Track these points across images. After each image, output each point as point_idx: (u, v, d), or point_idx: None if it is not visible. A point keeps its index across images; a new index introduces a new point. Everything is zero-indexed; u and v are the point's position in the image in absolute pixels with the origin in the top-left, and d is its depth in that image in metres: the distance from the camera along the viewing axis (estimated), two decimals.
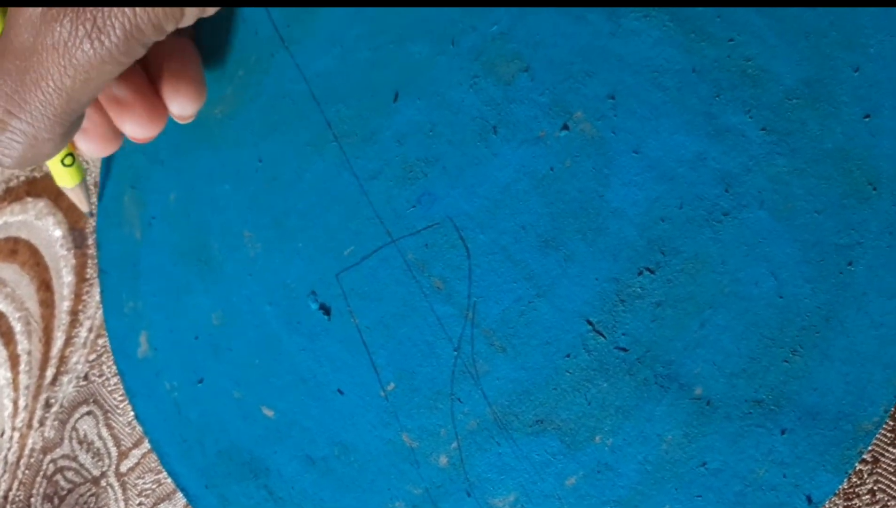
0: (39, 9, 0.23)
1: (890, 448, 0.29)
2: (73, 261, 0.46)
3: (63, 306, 0.46)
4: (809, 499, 0.30)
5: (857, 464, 0.30)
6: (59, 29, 0.23)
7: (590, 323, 0.32)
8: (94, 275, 0.45)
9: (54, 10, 0.23)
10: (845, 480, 0.30)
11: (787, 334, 0.30)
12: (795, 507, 0.30)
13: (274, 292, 0.38)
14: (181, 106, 0.31)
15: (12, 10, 0.24)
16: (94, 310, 0.45)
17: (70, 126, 0.27)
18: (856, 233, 0.30)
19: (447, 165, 0.35)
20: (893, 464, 0.29)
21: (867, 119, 0.30)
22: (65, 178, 0.39)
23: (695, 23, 0.31)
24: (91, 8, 0.23)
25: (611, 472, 0.32)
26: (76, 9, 0.23)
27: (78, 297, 0.45)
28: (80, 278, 0.46)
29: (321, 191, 0.37)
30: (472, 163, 0.34)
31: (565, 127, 0.33)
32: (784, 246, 0.30)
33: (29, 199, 0.47)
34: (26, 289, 0.47)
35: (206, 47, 0.40)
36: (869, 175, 0.30)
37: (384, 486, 0.35)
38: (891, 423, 0.30)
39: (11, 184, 0.48)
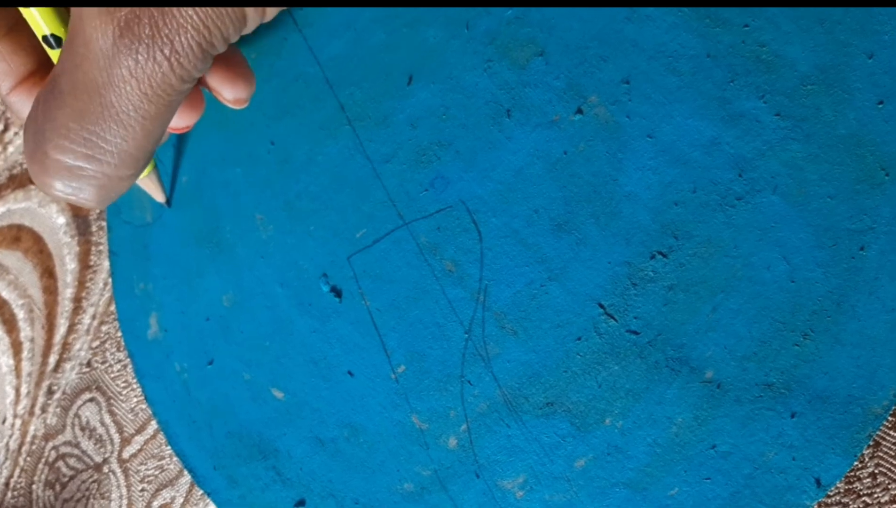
0: (109, 40, 0.21)
1: (891, 432, 0.29)
2: (77, 248, 0.46)
3: (66, 293, 0.46)
4: (818, 482, 0.30)
5: (865, 447, 0.30)
6: (135, 58, 0.22)
7: (601, 307, 0.32)
8: (98, 262, 0.45)
9: (126, 39, 0.21)
10: (855, 462, 0.30)
11: (799, 318, 0.30)
12: (804, 490, 0.30)
13: (285, 275, 0.38)
14: (237, 90, 0.30)
15: (71, 43, 0.22)
16: (97, 297, 0.45)
17: (151, 154, 0.25)
18: (868, 218, 0.30)
19: (460, 149, 0.35)
20: (895, 448, 0.29)
21: (881, 105, 0.30)
22: None
23: (710, 8, 0.31)
24: (165, 30, 0.21)
25: (620, 454, 0.32)
26: (150, 34, 0.21)
27: (81, 284, 0.45)
28: (84, 265, 0.45)
29: (334, 174, 0.37)
30: (485, 147, 0.34)
31: (579, 111, 0.33)
32: (797, 231, 0.30)
33: (32, 186, 0.47)
34: (29, 276, 0.47)
35: None
36: (882, 161, 0.30)
37: (393, 467, 0.35)
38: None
39: (15, 171, 0.48)
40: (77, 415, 0.44)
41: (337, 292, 0.37)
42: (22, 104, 0.29)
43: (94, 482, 0.43)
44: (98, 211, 0.45)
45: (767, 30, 0.31)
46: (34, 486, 0.45)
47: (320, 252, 0.37)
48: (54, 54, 0.27)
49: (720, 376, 0.31)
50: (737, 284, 0.31)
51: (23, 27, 0.28)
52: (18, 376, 0.46)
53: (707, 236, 0.31)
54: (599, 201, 0.32)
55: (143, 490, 0.41)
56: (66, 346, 0.45)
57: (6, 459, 0.46)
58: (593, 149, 0.32)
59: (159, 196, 0.40)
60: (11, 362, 0.46)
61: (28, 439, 0.45)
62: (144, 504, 0.41)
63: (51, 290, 0.46)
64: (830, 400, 0.30)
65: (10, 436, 0.46)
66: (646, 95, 0.32)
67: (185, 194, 0.40)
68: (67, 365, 0.44)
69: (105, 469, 0.43)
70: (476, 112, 0.34)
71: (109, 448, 0.43)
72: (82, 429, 0.44)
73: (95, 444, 0.43)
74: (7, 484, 0.46)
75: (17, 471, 0.46)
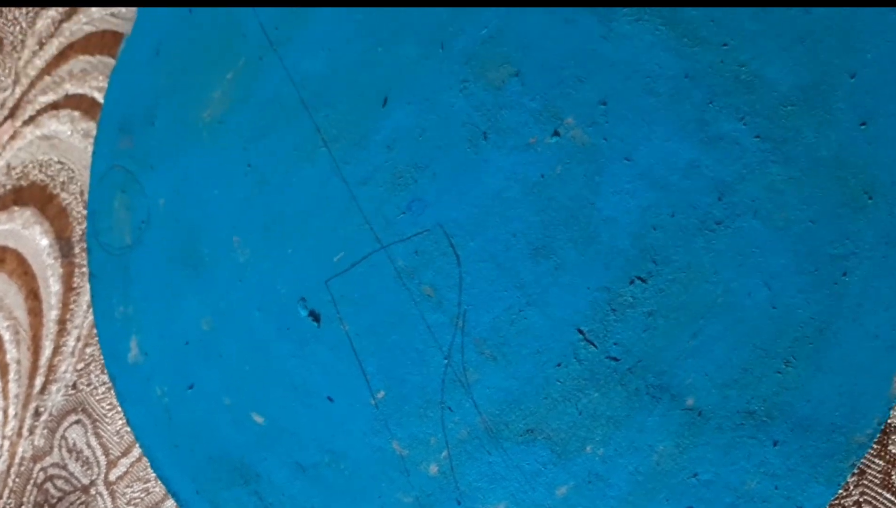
0: None
1: (876, 460, 0.29)
2: (61, 270, 0.46)
3: (51, 314, 0.45)
4: None
5: (849, 477, 0.29)
6: None
7: (581, 332, 0.32)
8: (82, 284, 0.45)
9: None
10: (839, 491, 0.29)
11: (781, 344, 0.29)
12: None
13: (263, 298, 0.37)
14: None
15: None
16: (81, 319, 0.44)
17: None
18: (851, 243, 0.29)
19: (437, 172, 0.34)
20: (879, 476, 0.29)
21: (863, 126, 0.29)
22: None
23: (688, 27, 0.31)
24: None
25: (602, 482, 0.31)
26: None
27: (65, 306, 0.45)
28: (68, 287, 0.45)
29: (310, 196, 0.36)
30: (462, 169, 0.34)
31: (556, 133, 0.32)
32: (778, 256, 0.29)
33: (16, 208, 0.47)
34: (14, 298, 0.47)
35: (193, 49, 0.39)
36: (865, 184, 0.29)
37: (374, 494, 0.35)
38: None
39: None
40: (64, 437, 0.44)
41: (315, 317, 0.36)
42: None
43: (81, 503, 0.43)
44: (80, 232, 0.45)
45: (747, 49, 0.30)
46: (23, 507, 0.45)
47: (298, 276, 0.36)
48: None
49: (701, 403, 0.30)
50: (717, 310, 0.30)
51: None
52: (6, 397, 0.46)
53: (687, 262, 0.30)
54: (577, 226, 0.32)
55: None
56: (51, 368, 0.44)
57: None
58: (570, 172, 0.32)
59: None
60: None
61: (17, 460, 0.45)
62: None
63: (36, 312, 0.46)
64: (813, 428, 0.29)
65: (0, 457, 0.46)
66: (623, 117, 0.31)
67: (163, 217, 0.40)
68: (53, 387, 0.44)
69: (92, 491, 0.43)
70: (452, 134, 0.34)
71: (96, 470, 0.43)
72: (69, 451, 0.44)
73: (82, 466, 0.43)
74: None
75: (7, 492, 0.46)
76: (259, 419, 0.37)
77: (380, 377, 0.35)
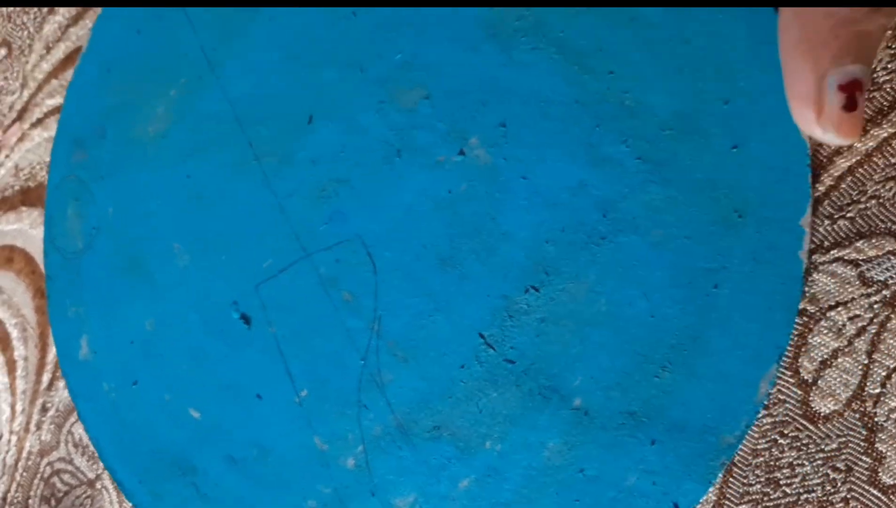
0: None
1: (863, 458, 0.30)
2: None
3: None
4: (676, 506, 0.32)
5: (720, 475, 0.32)
6: None
7: (482, 336, 0.34)
8: None
9: None
10: (710, 489, 0.32)
11: (658, 351, 0.32)
12: None
13: (200, 302, 0.40)
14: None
15: None
16: None
17: None
18: (722, 258, 0.31)
19: (356, 186, 0.37)
20: (867, 473, 0.30)
21: (735, 150, 0.31)
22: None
23: (578, 55, 0.33)
24: None
25: (499, 476, 0.34)
26: None
27: None
28: None
29: (243, 207, 0.39)
30: (378, 184, 0.36)
31: (462, 152, 0.35)
32: (656, 269, 0.32)
33: (23, 208, 0.49)
34: (22, 296, 0.49)
35: (141, 67, 0.42)
36: (735, 204, 0.31)
37: (298, 486, 0.38)
38: (864, 432, 0.30)
39: (6, 193, 0.50)
40: (70, 432, 0.46)
41: (246, 320, 0.39)
42: None
43: (87, 497, 0.46)
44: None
45: (630, 77, 0.32)
46: (30, 501, 0.47)
47: (231, 281, 0.39)
48: None
49: (587, 404, 0.33)
50: (601, 318, 0.33)
51: None
52: (14, 393, 0.49)
53: (574, 273, 0.33)
54: (479, 239, 0.34)
55: (134, 507, 0.43)
56: (58, 365, 0.47)
57: (3, 474, 0.48)
58: (474, 189, 0.34)
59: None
60: (6, 380, 0.49)
61: (24, 455, 0.48)
62: None
63: (43, 310, 0.48)
64: (687, 429, 0.32)
65: (7, 452, 0.49)
66: (520, 139, 0.34)
67: (112, 224, 0.43)
68: (60, 384, 0.47)
69: (98, 486, 0.45)
70: (370, 151, 0.36)
71: (101, 464, 0.45)
72: (75, 446, 0.46)
73: (88, 460, 0.46)
74: (4, 499, 0.48)
75: (14, 486, 0.48)
76: (196, 414, 0.40)
77: (303, 377, 0.38)
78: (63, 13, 0.47)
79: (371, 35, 0.36)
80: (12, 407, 0.48)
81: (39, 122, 0.48)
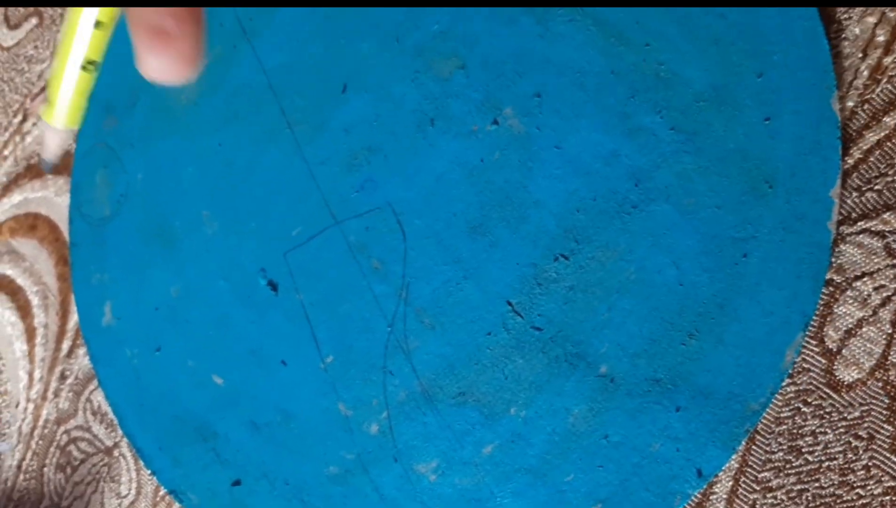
0: None
1: (885, 426, 0.31)
2: None
3: None
4: (700, 472, 0.32)
5: (743, 441, 0.32)
6: None
7: (510, 304, 0.35)
8: None
9: None
10: (733, 456, 0.32)
11: (686, 319, 0.33)
12: (687, 479, 0.32)
13: (228, 269, 0.41)
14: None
15: None
16: None
17: None
18: (751, 227, 0.32)
19: (388, 154, 0.38)
20: (888, 440, 0.30)
21: (767, 122, 0.32)
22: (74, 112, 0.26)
23: (615, 27, 0.34)
24: None
25: (523, 442, 0.35)
26: None
27: None
28: None
29: (274, 175, 0.40)
30: (410, 153, 0.37)
31: (495, 122, 0.36)
32: (686, 238, 0.33)
33: (49, 176, 0.50)
34: (45, 264, 0.49)
35: None
36: (766, 174, 0.32)
37: (320, 451, 0.38)
38: (886, 400, 0.31)
39: (32, 161, 0.51)
40: (89, 400, 0.47)
41: (273, 286, 0.39)
42: None
43: (104, 465, 0.46)
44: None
45: (666, 49, 0.33)
46: (46, 469, 0.48)
47: (260, 248, 0.40)
48: None
49: (613, 371, 0.33)
50: (630, 286, 0.33)
51: None
52: (32, 361, 0.49)
53: (605, 241, 0.34)
54: (510, 207, 0.35)
55: (151, 473, 0.43)
56: (79, 332, 0.47)
57: (19, 442, 0.49)
58: (507, 158, 0.35)
59: (52, 154, 0.28)
60: (25, 347, 0.49)
61: (40, 423, 0.48)
62: (153, 487, 0.44)
63: (65, 277, 0.48)
64: (712, 396, 0.32)
65: (24, 420, 0.49)
66: (555, 109, 0.35)
67: (140, 191, 0.43)
68: (80, 351, 0.47)
69: (115, 453, 0.46)
70: (403, 120, 0.37)
71: (120, 432, 0.45)
72: (94, 413, 0.46)
73: (106, 428, 0.46)
74: (20, 467, 0.49)
75: (30, 454, 0.48)
76: (219, 380, 0.41)
77: (329, 343, 0.38)
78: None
79: (409, 8, 0.37)
80: (30, 375, 0.48)
81: None
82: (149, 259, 0.43)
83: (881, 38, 0.31)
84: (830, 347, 0.32)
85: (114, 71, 0.44)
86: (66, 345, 0.47)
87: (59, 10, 0.49)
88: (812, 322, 0.32)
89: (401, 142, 0.37)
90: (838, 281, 0.32)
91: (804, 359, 0.32)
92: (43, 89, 0.50)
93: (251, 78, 0.41)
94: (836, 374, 0.31)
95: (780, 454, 0.32)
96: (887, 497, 0.30)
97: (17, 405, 0.49)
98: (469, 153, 0.36)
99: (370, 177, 0.38)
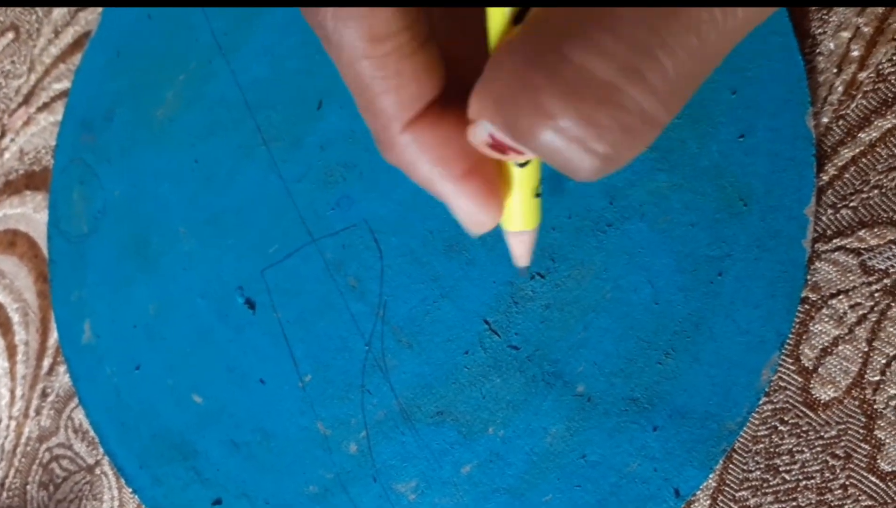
0: None
1: (862, 445, 0.31)
2: None
3: None
4: (677, 492, 0.33)
5: (721, 461, 0.33)
6: None
7: (486, 323, 0.36)
8: None
9: None
10: (711, 475, 0.33)
11: (661, 338, 0.33)
12: (664, 500, 0.33)
13: (205, 286, 0.41)
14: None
15: None
16: None
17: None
18: (726, 245, 0.33)
19: (364, 171, 0.38)
20: (865, 459, 0.31)
21: (741, 139, 0.33)
22: (527, 213, 0.24)
23: None
24: None
25: (501, 461, 0.35)
26: None
27: None
28: None
29: (251, 192, 0.40)
30: (386, 169, 0.38)
31: None
32: (661, 256, 0.33)
33: (27, 192, 0.50)
34: (24, 280, 0.50)
35: (151, 52, 0.43)
36: (741, 192, 0.33)
37: (300, 470, 0.39)
38: (863, 419, 0.31)
39: (10, 177, 0.51)
40: (70, 417, 0.47)
41: (251, 304, 0.40)
42: (420, 143, 0.20)
43: (86, 483, 0.46)
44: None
45: None
46: (29, 486, 0.48)
47: (237, 265, 0.40)
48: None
49: (590, 390, 0.34)
50: (606, 304, 0.34)
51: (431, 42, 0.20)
52: (13, 378, 0.50)
53: (580, 259, 0.34)
54: None
55: (133, 491, 0.44)
56: (59, 349, 0.48)
57: (1, 460, 0.49)
58: None
59: (524, 260, 0.27)
60: (6, 364, 0.50)
61: (23, 440, 0.49)
62: (135, 505, 0.45)
63: (45, 294, 0.49)
64: (689, 415, 0.33)
65: (6, 437, 0.50)
66: None
67: (118, 208, 0.44)
68: (61, 368, 0.48)
69: (97, 471, 0.46)
70: None
71: (101, 450, 0.46)
72: (75, 431, 0.47)
73: (88, 446, 0.47)
74: (2, 485, 0.49)
75: (13, 472, 0.49)
76: (198, 399, 0.41)
77: (307, 362, 0.39)
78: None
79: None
80: (12, 392, 0.49)
81: (46, 106, 0.49)
82: (127, 276, 0.43)
83: (855, 53, 0.32)
84: (806, 365, 0.32)
85: (90, 87, 0.44)
86: (46, 363, 0.48)
87: (35, 25, 0.50)
88: (788, 341, 0.32)
89: (376, 158, 0.38)
90: (814, 299, 0.32)
91: (780, 378, 0.32)
92: (20, 105, 0.50)
93: (227, 94, 0.41)
94: (813, 392, 0.32)
95: (758, 472, 0.33)
96: None
97: None
98: None
99: (346, 194, 0.38)
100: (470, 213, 0.21)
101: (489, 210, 0.21)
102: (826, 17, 0.32)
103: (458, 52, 0.20)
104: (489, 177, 0.20)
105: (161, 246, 0.43)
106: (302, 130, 0.39)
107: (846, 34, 0.32)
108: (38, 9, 0.49)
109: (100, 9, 0.47)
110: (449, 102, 0.20)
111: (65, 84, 0.48)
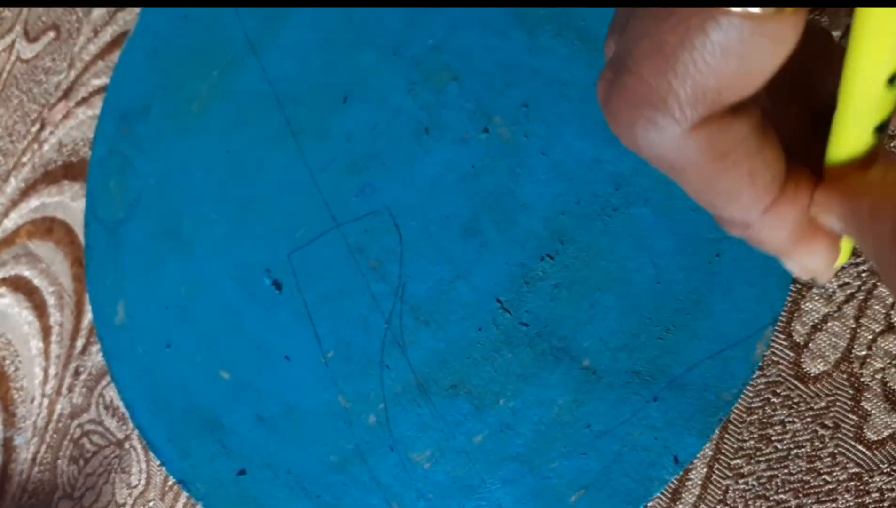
0: None
1: (849, 415, 0.34)
2: None
3: None
4: (676, 459, 0.36)
5: (717, 430, 0.36)
6: None
7: (499, 301, 0.39)
8: None
9: None
10: (708, 444, 0.36)
11: (663, 314, 0.36)
12: (664, 466, 0.36)
13: (235, 269, 0.45)
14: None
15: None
16: None
17: None
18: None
19: (386, 161, 0.42)
20: (853, 429, 0.34)
21: None
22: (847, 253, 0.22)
23: (598, 42, 0.38)
24: None
25: (511, 431, 0.38)
26: None
27: None
28: None
29: (279, 180, 0.44)
30: (407, 159, 0.41)
31: (486, 130, 0.40)
32: (663, 238, 0.37)
33: (65, 182, 0.54)
34: (60, 265, 0.54)
35: (186, 49, 0.47)
36: None
37: (321, 442, 0.42)
38: (850, 391, 0.34)
39: (50, 167, 0.55)
40: (101, 395, 0.51)
41: (278, 286, 0.44)
42: (777, 222, 0.20)
43: (115, 457, 0.50)
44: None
45: None
46: (59, 461, 0.52)
47: (265, 249, 0.44)
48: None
49: (596, 363, 0.37)
50: (611, 284, 0.37)
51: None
52: (47, 358, 0.53)
53: (588, 242, 0.38)
54: (500, 210, 0.39)
55: (160, 464, 0.47)
56: (93, 330, 0.51)
57: (34, 436, 0.53)
58: (497, 164, 0.39)
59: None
60: (41, 345, 0.53)
61: (55, 417, 0.52)
62: (162, 477, 0.48)
63: (80, 278, 0.52)
64: (688, 387, 0.36)
65: (38, 415, 0.53)
66: (541, 118, 0.39)
67: (152, 196, 0.48)
68: (94, 348, 0.51)
69: (126, 446, 0.50)
70: (400, 129, 0.41)
71: (130, 425, 0.49)
72: (106, 408, 0.51)
73: (118, 422, 0.50)
74: (34, 459, 0.53)
75: (44, 447, 0.52)
76: (226, 375, 0.45)
77: (330, 339, 0.42)
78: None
79: (405, 21, 0.41)
80: (45, 371, 0.53)
81: (84, 100, 0.53)
82: (160, 260, 0.47)
83: None
84: (798, 341, 0.35)
85: (128, 82, 0.48)
86: (80, 343, 0.52)
87: (76, 24, 0.54)
88: (780, 318, 0.35)
89: (398, 149, 0.41)
90: (805, 279, 0.35)
91: (773, 352, 0.35)
92: (60, 99, 0.54)
93: (257, 88, 0.45)
94: (804, 366, 0.35)
95: (752, 442, 0.36)
96: (852, 483, 0.34)
97: (32, 401, 0.53)
98: (461, 160, 0.40)
99: (369, 182, 0.42)
100: (822, 266, 0.21)
101: (834, 259, 0.21)
102: (818, 18, 0.36)
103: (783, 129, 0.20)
104: (828, 232, 0.21)
105: (193, 231, 0.46)
106: (328, 123, 0.43)
107: (836, 33, 0.35)
108: (78, 9, 0.54)
109: (137, 10, 0.51)
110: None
111: (103, 80, 0.52)
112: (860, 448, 0.34)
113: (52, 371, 0.53)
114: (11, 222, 0.56)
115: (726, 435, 0.36)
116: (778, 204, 0.19)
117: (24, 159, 0.57)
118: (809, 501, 0.34)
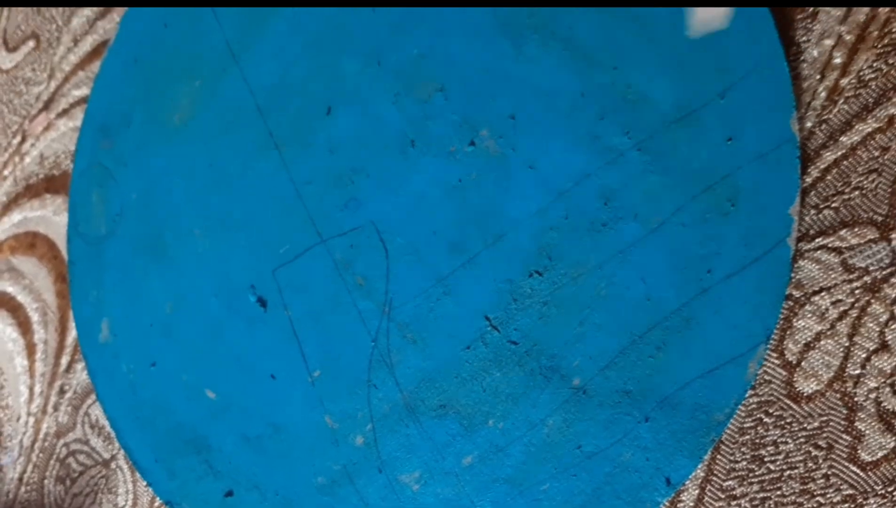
0: None
1: (843, 435, 0.35)
2: None
3: None
4: (668, 481, 0.37)
5: (709, 451, 0.36)
6: None
7: (487, 319, 0.39)
8: None
9: None
10: (700, 465, 0.37)
11: (653, 332, 0.37)
12: (656, 488, 0.37)
13: (219, 285, 0.45)
14: None
15: None
16: None
17: None
18: (715, 244, 0.36)
19: (371, 174, 0.42)
20: (847, 450, 0.35)
21: (730, 141, 0.36)
22: None
23: (584, 51, 0.38)
24: None
25: (501, 453, 0.39)
26: None
27: None
28: None
29: (262, 193, 0.44)
30: (392, 172, 0.42)
31: (472, 143, 0.40)
32: (653, 255, 0.37)
33: (47, 195, 0.55)
34: (44, 281, 0.54)
35: (167, 58, 0.48)
36: (728, 193, 0.36)
37: (308, 463, 0.43)
38: (844, 411, 0.35)
39: (31, 181, 0.56)
40: (87, 413, 0.52)
41: (263, 303, 0.44)
42: None
43: (102, 477, 0.51)
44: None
45: (634, 72, 0.37)
46: (46, 481, 0.53)
47: (249, 265, 0.45)
48: None
49: (586, 383, 0.38)
50: (601, 301, 0.38)
51: None
52: (32, 376, 0.54)
53: (576, 258, 0.38)
54: (487, 225, 0.39)
55: (147, 485, 0.48)
56: (77, 348, 0.52)
57: (20, 455, 0.54)
58: (484, 177, 0.40)
59: None
60: (26, 362, 0.54)
61: (41, 436, 0.53)
62: (149, 498, 0.49)
63: (64, 294, 0.53)
64: (680, 407, 0.36)
65: (25, 433, 0.54)
66: (528, 130, 0.39)
67: (135, 210, 0.48)
68: (78, 366, 0.52)
69: (113, 466, 0.50)
70: (385, 141, 0.42)
71: (117, 444, 0.50)
72: (91, 427, 0.51)
73: (104, 441, 0.51)
74: (21, 479, 0.54)
75: (31, 467, 0.53)
76: (211, 394, 0.45)
77: (316, 358, 0.43)
78: (92, 8, 0.53)
79: (389, 29, 0.42)
80: (31, 389, 0.54)
81: (65, 112, 0.53)
82: (144, 277, 0.48)
83: (838, 60, 0.35)
84: (790, 359, 0.36)
85: (108, 93, 0.49)
86: (64, 360, 0.52)
87: (56, 33, 0.54)
88: (773, 336, 0.36)
89: (383, 162, 0.42)
90: (797, 296, 0.36)
91: (765, 371, 0.36)
92: (41, 111, 0.55)
93: (239, 98, 0.45)
94: (796, 386, 0.35)
95: (744, 463, 0.36)
96: (846, 505, 0.34)
97: (18, 419, 0.54)
98: (448, 173, 0.40)
99: (354, 196, 0.42)
100: None
101: None
102: (810, 25, 0.36)
103: None
104: None
105: (176, 247, 0.47)
106: (312, 134, 0.43)
107: (829, 42, 0.36)
108: (58, 18, 0.54)
109: (118, 18, 0.51)
110: None
111: (84, 91, 0.53)
112: (854, 469, 0.34)
113: (37, 389, 0.53)
114: None
115: (718, 456, 0.36)
116: None
117: (6, 173, 0.57)
118: None
